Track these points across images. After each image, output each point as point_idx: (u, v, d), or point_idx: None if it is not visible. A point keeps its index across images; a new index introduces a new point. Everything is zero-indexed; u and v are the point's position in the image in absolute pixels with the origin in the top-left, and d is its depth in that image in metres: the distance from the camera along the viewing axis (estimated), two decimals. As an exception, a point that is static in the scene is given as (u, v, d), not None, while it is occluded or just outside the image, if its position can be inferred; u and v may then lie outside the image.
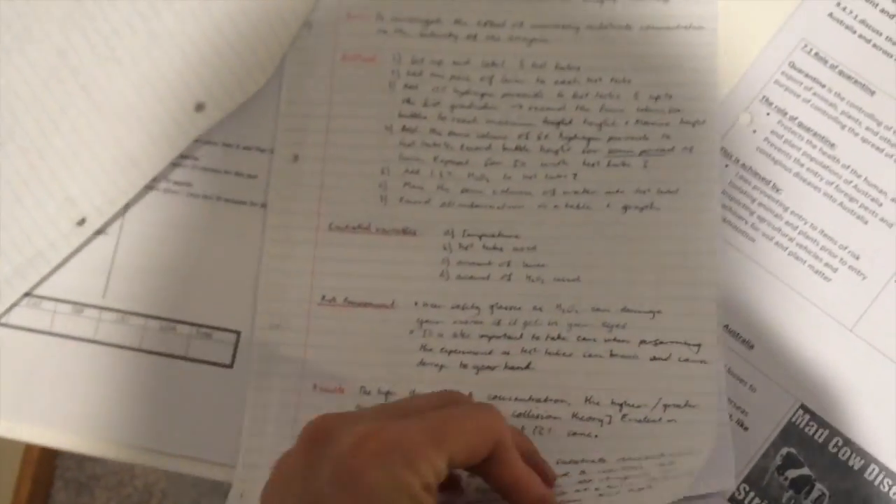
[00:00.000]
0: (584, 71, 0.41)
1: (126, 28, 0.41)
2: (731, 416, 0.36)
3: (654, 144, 0.40)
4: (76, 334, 0.40)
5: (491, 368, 0.38)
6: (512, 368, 0.38)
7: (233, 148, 0.42)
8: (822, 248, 0.38)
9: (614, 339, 0.37)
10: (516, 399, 0.37)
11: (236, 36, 0.42)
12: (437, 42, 0.42)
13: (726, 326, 0.37)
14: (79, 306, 0.40)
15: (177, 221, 0.41)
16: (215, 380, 0.39)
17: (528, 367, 0.38)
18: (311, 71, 0.42)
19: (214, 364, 0.40)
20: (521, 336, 0.38)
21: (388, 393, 0.38)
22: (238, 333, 0.40)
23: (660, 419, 0.36)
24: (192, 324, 0.40)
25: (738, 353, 0.37)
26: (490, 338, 0.39)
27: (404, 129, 0.41)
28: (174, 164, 0.42)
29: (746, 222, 0.38)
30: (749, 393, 0.36)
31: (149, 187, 0.41)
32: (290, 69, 0.43)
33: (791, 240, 0.38)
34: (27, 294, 0.41)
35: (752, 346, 0.37)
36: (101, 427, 0.39)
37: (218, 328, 0.40)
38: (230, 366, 0.40)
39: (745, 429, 0.36)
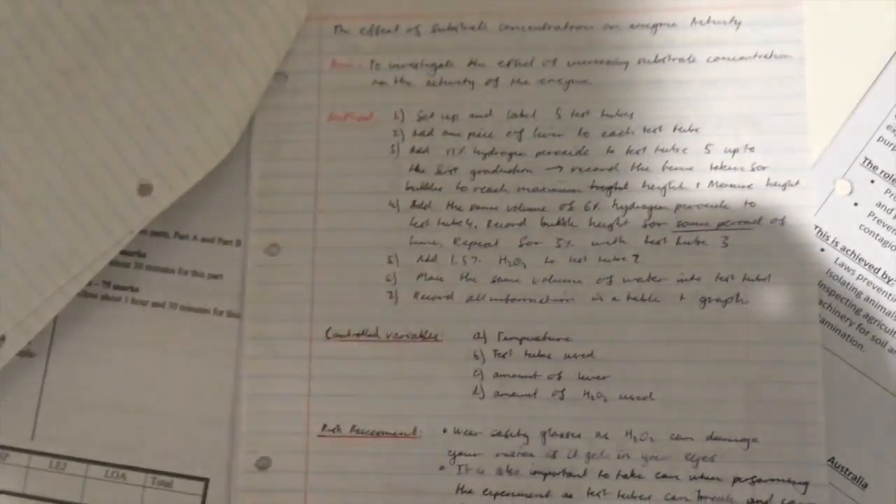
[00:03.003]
0: (639, 118, 0.35)
1: (45, 91, 0.34)
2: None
3: (734, 215, 0.34)
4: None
5: (551, 517, 0.33)
6: (577, 517, 0.33)
7: (189, 240, 0.37)
8: (951, 356, 0.33)
9: (702, 477, 0.33)
10: (588, 560, 0.33)
11: (187, 94, 0.35)
12: (449, 91, 0.36)
13: (831, 460, 0.33)
14: (2, 450, 0.36)
15: (119, 337, 0.36)
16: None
17: (597, 514, 0.33)
18: (288, 136, 0.36)
19: (179, 519, 0.34)
20: (585, 473, 0.33)
21: (419, 553, 0.33)
22: (206, 481, 0.35)
23: (767, 581, 0.32)
24: (146, 470, 0.35)
25: (848, 495, 0.33)
26: (545, 475, 0.34)
27: (414, 204, 0.36)
28: (115, 264, 0.36)
29: (851, 323, 0.33)
30: (864, 545, 0.32)
31: (84, 294, 0.35)
32: (262, 135, 0.36)
33: (910, 345, 0.33)
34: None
35: (865, 485, 0.32)
36: None
37: (180, 475, 0.35)
38: (199, 523, 0.34)
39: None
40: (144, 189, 0.35)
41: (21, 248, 0.34)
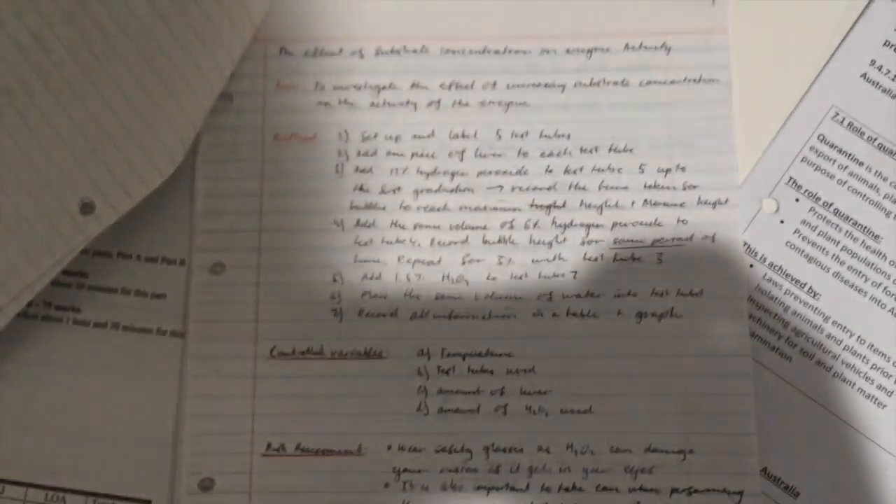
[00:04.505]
0: (576, 139, 0.37)
1: (-19, 113, 0.35)
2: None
3: (668, 232, 0.36)
4: (-66, 511, 0.34)
5: (494, 531, 0.34)
6: (520, 529, 0.34)
7: (132, 260, 0.37)
8: (874, 367, 0.35)
9: (640, 489, 0.34)
10: (530, 572, 0.34)
11: (132, 114, 0.35)
12: (391, 113, 0.37)
13: (764, 469, 0.34)
14: None
15: (60, 358, 0.36)
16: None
17: (540, 527, 0.34)
18: (233, 156, 0.37)
19: (121, 543, 0.34)
20: (528, 487, 0.34)
21: (366, 570, 0.34)
22: (148, 503, 0.35)
23: (704, 589, 0.33)
24: (86, 493, 0.35)
25: (781, 504, 0.34)
26: (489, 489, 0.35)
27: (358, 223, 0.37)
28: (56, 284, 0.36)
29: (780, 336, 0.35)
30: (798, 555, 0.33)
31: (24, 315, 0.35)
32: (207, 155, 0.37)
33: (835, 357, 0.35)
34: None
35: (796, 494, 0.34)
36: None
37: (121, 498, 0.35)
38: (142, 545, 0.34)
39: None
40: (87, 208, 0.35)
41: (-42, 269, 0.34)
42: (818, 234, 0.35)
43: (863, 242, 0.35)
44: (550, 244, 0.36)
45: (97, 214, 0.35)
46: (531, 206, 0.36)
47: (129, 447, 0.35)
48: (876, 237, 0.35)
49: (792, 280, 0.35)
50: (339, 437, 0.35)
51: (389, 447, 0.35)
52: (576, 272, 0.36)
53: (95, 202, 0.35)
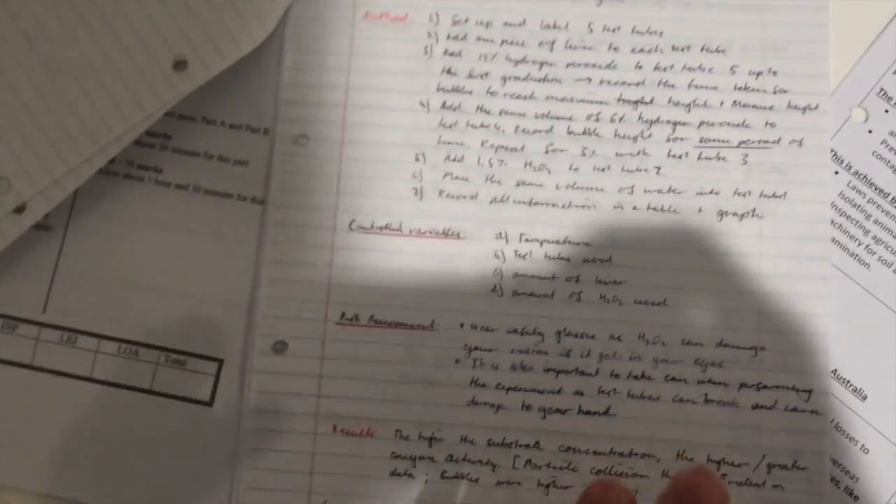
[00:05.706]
0: (668, 37, 0.37)
1: (83, -40, 0.35)
2: (837, 481, 0.34)
3: (755, 134, 0.36)
4: (7, 357, 0.36)
5: (561, 412, 0.35)
6: (587, 413, 0.35)
7: (217, 126, 0.37)
8: (951, 278, 0.35)
9: (709, 381, 0.35)
10: (595, 453, 0.34)
11: (228, -24, 0.36)
12: (484, -2, 0.38)
13: (834, 372, 0.35)
14: (11, 321, 0.36)
15: (140, 216, 0.37)
16: (190, 421, 0.35)
17: (607, 412, 0.35)
18: (323, 30, 0.37)
19: (189, 400, 0.35)
20: (598, 372, 0.35)
21: (432, 438, 0.35)
22: (220, 362, 0.36)
23: (763, 483, 0.34)
24: (159, 348, 0.36)
25: (848, 406, 0.34)
26: (558, 372, 0.35)
27: (444, 105, 0.37)
28: (139, 144, 0.36)
29: (860, 244, 0.35)
30: (860, 455, 0.34)
31: (106, 171, 0.36)
32: (296, 28, 0.37)
33: (915, 266, 0.35)
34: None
35: (864, 397, 0.34)
36: (37, 477, 0.34)
37: (193, 354, 0.36)
38: (209, 403, 0.35)
39: (856, 498, 0.34)
40: (180, 65, 0.36)
41: (50, 116, 0.35)
42: (906, 146, 0.35)
43: (951, 155, 0.35)
44: (635, 139, 0.36)
45: (190, 72, 0.36)
46: (618, 100, 0.37)
47: (205, 306, 0.36)
48: (965, 151, 0.35)
49: (876, 189, 0.35)
50: (412, 311, 0.35)
51: (462, 325, 0.35)
52: (659, 168, 0.36)
53: (189, 60, 0.35)
